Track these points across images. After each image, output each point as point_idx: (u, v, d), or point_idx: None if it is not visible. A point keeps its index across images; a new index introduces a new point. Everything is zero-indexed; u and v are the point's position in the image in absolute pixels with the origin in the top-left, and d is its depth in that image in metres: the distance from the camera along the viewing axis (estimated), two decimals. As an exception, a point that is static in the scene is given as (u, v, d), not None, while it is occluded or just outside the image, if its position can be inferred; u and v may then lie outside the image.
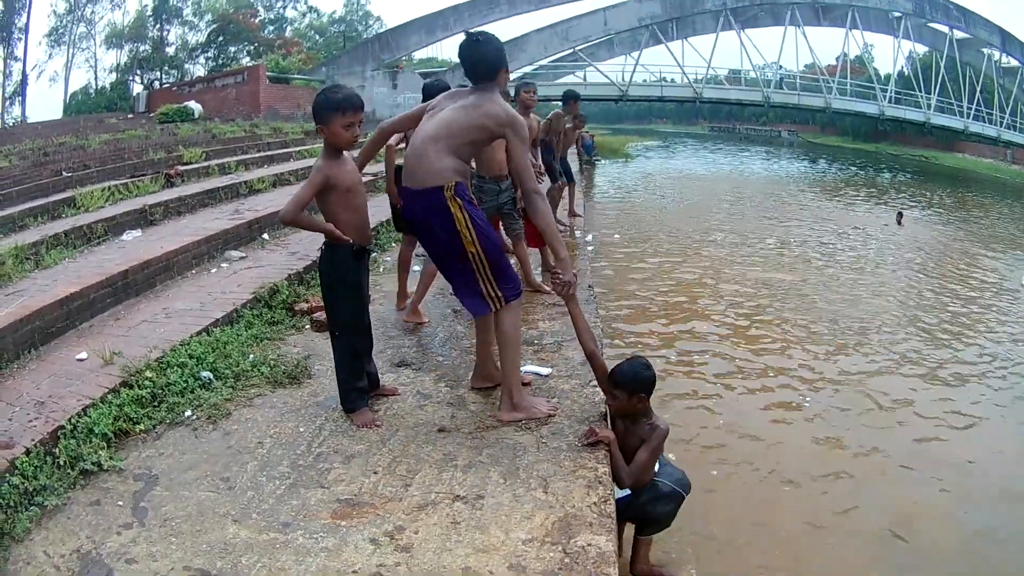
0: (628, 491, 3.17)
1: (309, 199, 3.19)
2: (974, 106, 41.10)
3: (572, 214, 9.61)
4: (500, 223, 5.59)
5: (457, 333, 4.81)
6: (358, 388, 3.46)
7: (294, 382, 3.86)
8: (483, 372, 3.77)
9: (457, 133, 3.21)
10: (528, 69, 29.93)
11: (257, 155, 13.50)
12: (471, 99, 3.25)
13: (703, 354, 7.09)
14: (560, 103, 8.79)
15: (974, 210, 22.93)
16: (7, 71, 37.64)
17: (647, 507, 3.23)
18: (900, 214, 17.39)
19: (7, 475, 2.75)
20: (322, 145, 3.31)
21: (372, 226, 7.54)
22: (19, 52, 37.28)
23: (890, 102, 39.40)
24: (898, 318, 8.74)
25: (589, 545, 2.44)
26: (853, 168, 38.02)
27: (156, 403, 3.53)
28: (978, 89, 41.09)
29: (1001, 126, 41.98)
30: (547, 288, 5.31)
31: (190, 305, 4.98)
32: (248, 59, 44.06)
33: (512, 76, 24.19)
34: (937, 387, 6.56)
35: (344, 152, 3.30)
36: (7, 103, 37.37)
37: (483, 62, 3.25)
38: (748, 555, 3.85)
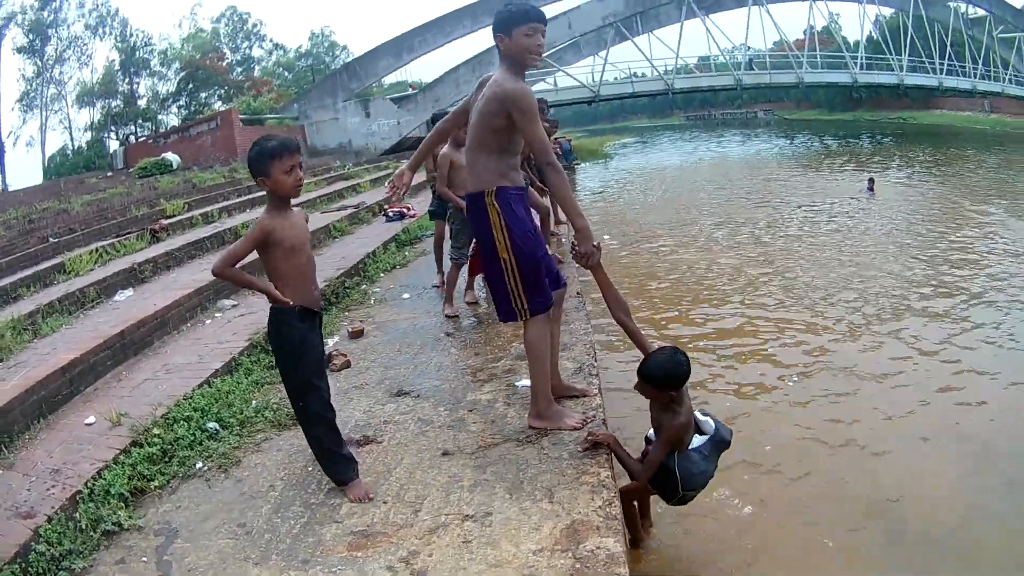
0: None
1: (244, 254, 2.99)
2: (946, 61, 41.39)
3: (557, 222, 9.47)
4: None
5: (452, 356, 4.92)
6: (343, 456, 3.20)
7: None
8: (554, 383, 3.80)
9: (481, 128, 3.27)
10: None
11: (238, 200, 13.60)
12: (488, 85, 3.29)
13: (695, 341, 7.14)
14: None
15: (955, 164, 23.09)
16: (-18, 142, 37.78)
17: (658, 474, 3.25)
18: (871, 180, 17.27)
19: (32, 543, 2.84)
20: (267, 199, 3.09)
21: (358, 259, 7.71)
22: (-8, 121, 37.42)
23: (862, 69, 39.59)
24: (885, 285, 8.85)
25: (598, 548, 2.52)
26: (832, 139, 38.18)
27: (167, 459, 3.61)
28: (948, 43, 41.32)
29: (975, 77, 42.31)
30: None
31: (189, 359, 5.07)
32: (220, 103, 44.30)
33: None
34: (930, 355, 6.57)
35: (291, 204, 3.12)
36: (-14, 173, 37.45)
37: (493, 29, 3.29)
38: (739, 537, 3.93)
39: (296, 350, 3.09)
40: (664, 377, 3.11)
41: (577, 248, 3.25)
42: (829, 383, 6.02)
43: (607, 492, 2.90)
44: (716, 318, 7.92)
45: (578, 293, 5.87)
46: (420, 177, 8.81)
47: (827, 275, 9.38)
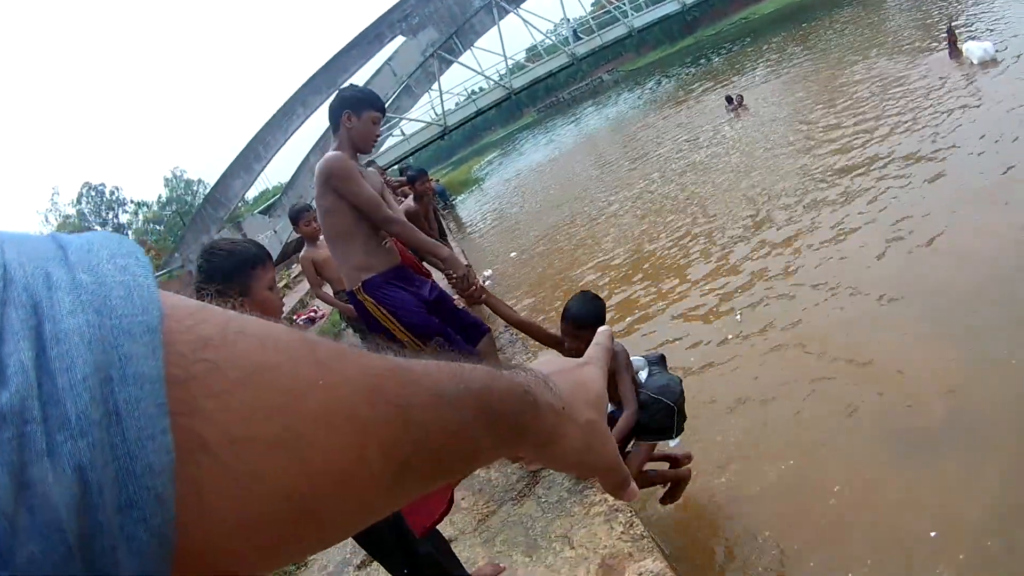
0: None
1: None
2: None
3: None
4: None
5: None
6: None
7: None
8: None
9: (322, 220, 3.17)
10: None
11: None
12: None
13: (642, 310, 6.71)
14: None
15: (812, 37, 22.54)
16: None
17: (643, 417, 3.00)
18: (739, 97, 15.82)
19: None
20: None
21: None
22: None
23: (687, -11, 37.55)
24: (791, 188, 8.23)
25: (640, 573, 2.36)
26: (683, 71, 37.65)
27: None
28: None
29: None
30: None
31: None
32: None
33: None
34: (862, 239, 5.94)
35: None
36: None
37: (341, 105, 3.14)
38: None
39: None
40: (595, 314, 3.00)
41: (452, 276, 3.12)
42: (776, 306, 5.42)
43: (622, 515, 2.72)
44: (652, 280, 7.44)
45: (505, 326, 5.62)
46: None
47: (734, 200, 8.85)
